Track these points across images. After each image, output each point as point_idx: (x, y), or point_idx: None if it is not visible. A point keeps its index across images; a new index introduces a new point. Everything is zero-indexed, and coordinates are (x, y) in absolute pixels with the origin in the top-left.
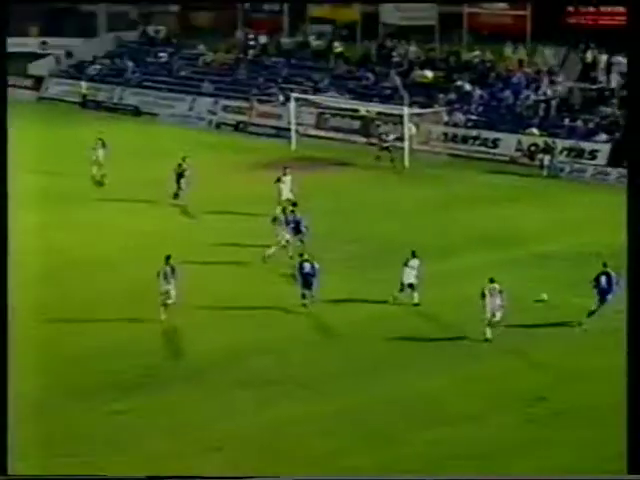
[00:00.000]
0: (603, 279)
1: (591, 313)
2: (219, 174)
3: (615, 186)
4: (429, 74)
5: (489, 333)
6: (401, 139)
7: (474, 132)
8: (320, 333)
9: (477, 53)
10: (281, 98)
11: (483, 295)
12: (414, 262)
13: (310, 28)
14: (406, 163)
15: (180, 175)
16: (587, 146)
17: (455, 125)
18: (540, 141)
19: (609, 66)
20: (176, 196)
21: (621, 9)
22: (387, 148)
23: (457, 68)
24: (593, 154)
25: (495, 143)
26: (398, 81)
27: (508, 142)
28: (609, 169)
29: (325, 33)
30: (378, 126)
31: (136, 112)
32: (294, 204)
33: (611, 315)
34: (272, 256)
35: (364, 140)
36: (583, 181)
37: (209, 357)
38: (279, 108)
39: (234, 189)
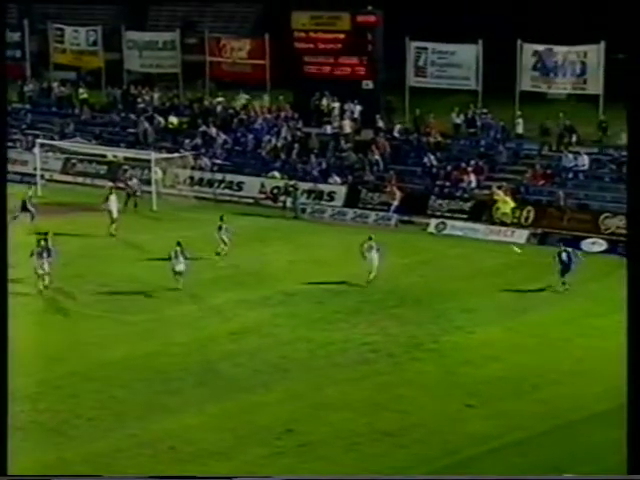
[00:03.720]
0: (564, 255)
1: (563, 283)
2: None
3: (352, 225)
4: (174, 120)
5: None
6: (148, 183)
7: (219, 176)
8: (74, 377)
9: (221, 100)
10: (25, 144)
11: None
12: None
13: (54, 75)
14: (154, 207)
15: None
16: (325, 188)
17: (201, 169)
18: (282, 184)
19: (342, 113)
20: None
21: (354, 60)
22: (133, 193)
23: (201, 114)
24: (331, 195)
25: (240, 186)
26: (144, 127)
27: (252, 185)
28: (346, 209)
29: (69, 80)
30: (125, 171)
31: None
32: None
33: (359, 347)
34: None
35: (111, 184)
36: (323, 221)
37: None
38: (24, 154)
39: None
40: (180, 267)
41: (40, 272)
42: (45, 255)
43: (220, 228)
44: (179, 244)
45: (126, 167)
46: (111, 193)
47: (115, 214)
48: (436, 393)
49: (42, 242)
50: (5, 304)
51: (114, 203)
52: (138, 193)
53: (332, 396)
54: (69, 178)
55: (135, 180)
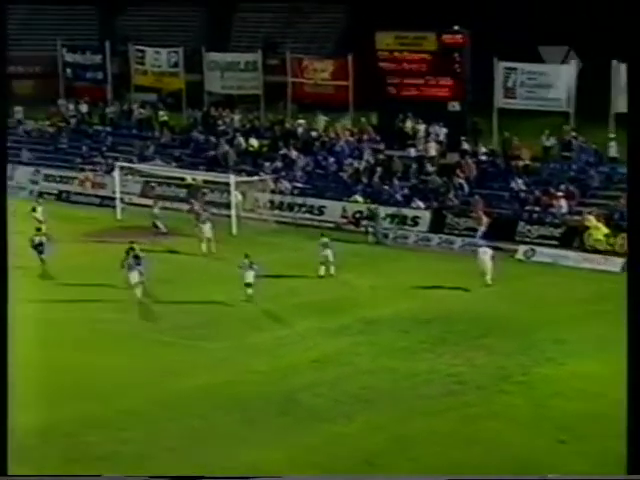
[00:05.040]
0: None
1: None
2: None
3: (437, 251)
4: (254, 142)
5: None
6: (228, 207)
7: (300, 200)
8: (155, 406)
9: (302, 122)
10: (105, 167)
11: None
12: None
13: (135, 97)
14: (234, 231)
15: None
16: (409, 213)
17: (281, 193)
18: (364, 208)
19: (427, 135)
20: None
21: (440, 81)
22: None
23: (282, 136)
24: (415, 220)
25: (321, 210)
26: (225, 149)
27: (333, 209)
28: (430, 235)
29: (150, 101)
30: (204, 194)
31: None
32: None
33: (445, 379)
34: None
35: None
36: (407, 247)
37: None
38: (104, 177)
39: (71, 259)
40: (249, 279)
41: (133, 282)
42: (135, 265)
43: (325, 245)
44: (247, 256)
45: (205, 190)
46: (208, 218)
47: (210, 236)
48: (526, 427)
49: (131, 252)
50: (5, 308)
51: (208, 226)
52: (203, 217)
53: (416, 428)
54: (148, 202)
55: (197, 205)
